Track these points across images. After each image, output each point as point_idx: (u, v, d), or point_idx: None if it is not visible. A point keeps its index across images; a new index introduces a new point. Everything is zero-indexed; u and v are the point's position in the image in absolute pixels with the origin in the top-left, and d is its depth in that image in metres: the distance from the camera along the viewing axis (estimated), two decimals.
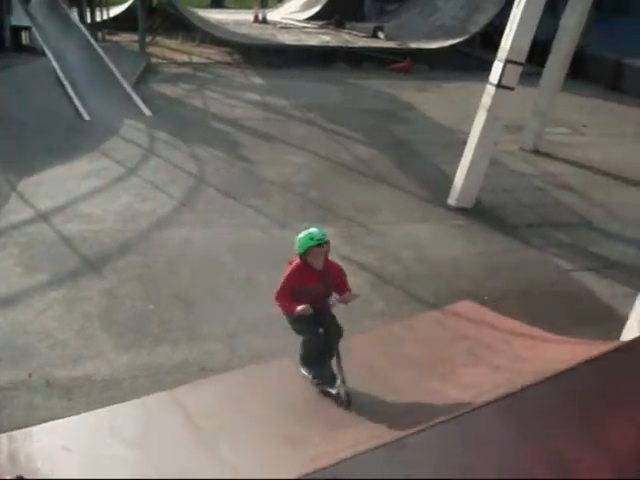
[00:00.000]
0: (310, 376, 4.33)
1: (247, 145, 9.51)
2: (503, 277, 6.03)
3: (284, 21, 20.50)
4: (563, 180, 8.70)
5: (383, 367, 4.46)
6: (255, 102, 12.31)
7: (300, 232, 4.26)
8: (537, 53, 9.55)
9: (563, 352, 3.55)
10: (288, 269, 4.29)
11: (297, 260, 4.27)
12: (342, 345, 4.20)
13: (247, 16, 20.53)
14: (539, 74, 9.93)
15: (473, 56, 16.47)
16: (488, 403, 2.54)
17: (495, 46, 7.65)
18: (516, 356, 4.41)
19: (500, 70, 7.29)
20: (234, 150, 9.27)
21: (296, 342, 4.29)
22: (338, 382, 4.11)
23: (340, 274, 4.40)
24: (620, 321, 4.69)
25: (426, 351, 4.77)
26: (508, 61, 7.25)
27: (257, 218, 7.04)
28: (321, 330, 4.23)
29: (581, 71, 14.51)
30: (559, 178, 8.78)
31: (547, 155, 9.71)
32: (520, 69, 7.30)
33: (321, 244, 4.16)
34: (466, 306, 5.47)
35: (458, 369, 4.46)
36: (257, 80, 14.31)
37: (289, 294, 4.23)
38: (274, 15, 21.63)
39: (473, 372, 4.37)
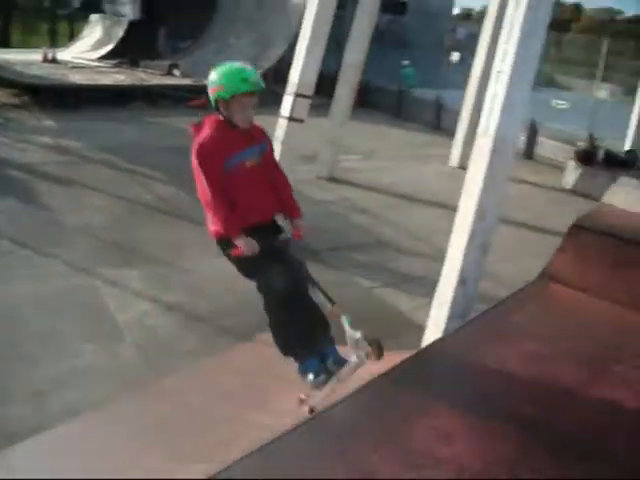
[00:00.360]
0: (309, 375, 3.38)
1: (43, 191, 9.04)
2: None
3: (75, 60, 19.80)
4: (358, 204, 9.23)
5: (199, 403, 4.44)
6: (49, 146, 11.75)
7: (216, 67, 3.36)
8: (326, 85, 10.12)
9: (368, 368, 3.71)
10: (201, 135, 3.19)
11: (213, 116, 3.25)
12: (154, 387, 4.08)
13: (36, 56, 19.55)
14: (329, 105, 10.52)
15: (268, 91, 16.95)
16: (295, 428, 2.62)
17: (286, 80, 8.00)
18: None
19: (290, 103, 7.63)
20: (29, 197, 8.78)
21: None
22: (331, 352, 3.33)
23: (270, 145, 3.51)
24: (421, 331, 5.07)
25: (241, 382, 4.81)
26: (297, 95, 7.60)
27: (57, 267, 6.71)
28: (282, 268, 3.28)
29: (369, 100, 15.60)
30: (354, 202, 9.30)
31: (342, 181, 10.25)
32: (309, 102, 7.69)
33: (255, 92, 3.25)
34: None
35: (273, 396, 4.55)
36: (49, 122, 13.68)
37: (219, 181, 3.14)
38: (65, 54, 20.79)
39: (287, 398, 4.48)
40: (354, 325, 3.22)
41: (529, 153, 12.19)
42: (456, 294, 4.74)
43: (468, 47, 16.30)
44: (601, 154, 10.67)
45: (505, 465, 2.14)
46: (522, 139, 11.71)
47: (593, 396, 2.39)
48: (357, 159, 11.71)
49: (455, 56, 19.86)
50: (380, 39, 19.66)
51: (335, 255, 7.41)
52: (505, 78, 4.67)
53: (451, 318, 4.66)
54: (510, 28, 4.71)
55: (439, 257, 5.29)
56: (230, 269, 5.96)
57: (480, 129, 4.85)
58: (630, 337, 2.16)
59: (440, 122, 14.85)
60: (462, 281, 4.72)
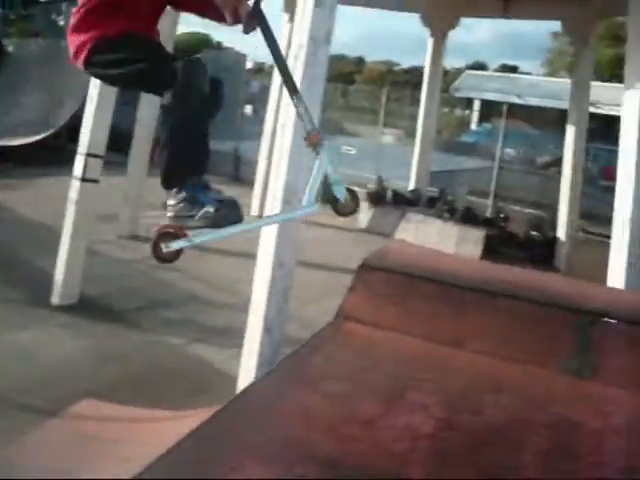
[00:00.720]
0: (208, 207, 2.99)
1: None
2: (117, 367, 6.04)
3: None
4: None
5: None
6: None
7: None
8: (123, 142, 9.95)
9: (180, 428, 3.63)
10: None
11: None
12: None
13: None
14: (126, 163, 10.34)
15: (65, 149, 16.35)
16: None
17: None
18: (139, 442, 4.45)
19: (82, 164, 7.40)
20: None
21: None
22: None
23: None
24: (234, 381, 5.08)
25: (50, 463, 4.53)
26: (88, 154, 7.40)
27: None
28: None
29: None
30: None
31: (146, 239, 10.03)
32: (101, 161, 7.51)
33: None
34: (86, 405, 5.34)
35: (91, 473, 4.33)
36: None
37: None
38: None
39: (104, 471, 4.28)
40: None
41: (324, 197, 12.77)
42: (263, 342, 4.84)
43: (262, 99, 16.86)
44: (389, 194, 11.47)
45: None
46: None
47: (391, 424, 2.54)
48: (159, 216, 11.49)
49: (248, 109, 20.43)
50: None
51: (142, 315, 7.24)
52: (289, 131, 4.91)
53: (260, 366, 4.74)
54: None
55: (245, 306, 5.37)
56: (26, 348, 5.54)
57: (271, 179, 5.05)
58: (421, 365, 2.33)
59: (239, 173, 15.14)
60: (267, 329, 4.83)
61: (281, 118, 5.08)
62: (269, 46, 2.65)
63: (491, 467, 2.58)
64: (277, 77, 10.44)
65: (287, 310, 5.03)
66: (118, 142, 13.32)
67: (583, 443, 2.91)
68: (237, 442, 2.71)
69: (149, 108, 10.13)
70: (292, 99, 2.67)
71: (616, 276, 5.59)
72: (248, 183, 12.93)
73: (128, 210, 10.19)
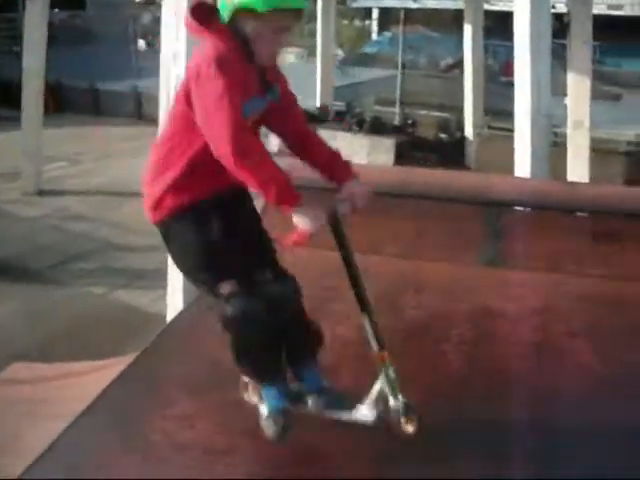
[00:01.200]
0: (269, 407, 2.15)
1: None
2: (44, 326, 5.90)
3: None
4: (74, 212, 8.82)
5: None
6: None
7: None
8: (12, 96, 9.42)
9: (109, 376, 3.58)
10: (209, 47, 1.97)
11: (224, 40, 1.98)
12: None
13: None
14: (19, 117, 9.82)
15: None
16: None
17: None
18: (68, 398, 4.39)
19: None
20: None
21: None
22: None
23: (285, 85, 2.25)
24: (163, 321, 5.03)
25: None
26: None
27: None
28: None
29: (64, 103, 14.82)
30: (69, 211, 8.88)
31: (52, 192, 9.69)
32: None
33: (302, 12, 2.04)
34: (17, 368, 5.22)
35: (22, 435, 4.26)
36: None
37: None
38: None
39: (36, 435, 4.22)
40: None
41: None
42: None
43: (154, 32, 16.14)
44: None
45: (247, 436, 2.25)
46: None
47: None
48: (63, 166, 11.11)
49: (142, 43, 19.58)
50: (63, 36, 18.77)
51: (60, 270, 7.04)
52: (181, 60, 4.73)
53: (187, 302, 4.68)
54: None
55: (164, 246, 5.26)
56: None
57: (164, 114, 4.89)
58: (342, 275, 2.32)
59: (142, 112, 14.60)
60: None
61: (171, 47, 4.88)
62: (341, 251, 2.15)
63: (418, 358, 2.67)
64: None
65: None
66: (7, 95, 12.69)
67: (503, 326, 3.05)
68: (165, 377, 2.69)
69: (33, 56, 9.61)
70: (362, 314, 2.16)
71: (522, 166, 5.74)
72: (152, 120, 12.50)
73: (29, 165, 9.74)
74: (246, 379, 2.28)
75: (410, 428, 2.01)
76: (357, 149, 10.04)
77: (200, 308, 3.24)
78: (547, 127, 6.19)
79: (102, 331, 5.69)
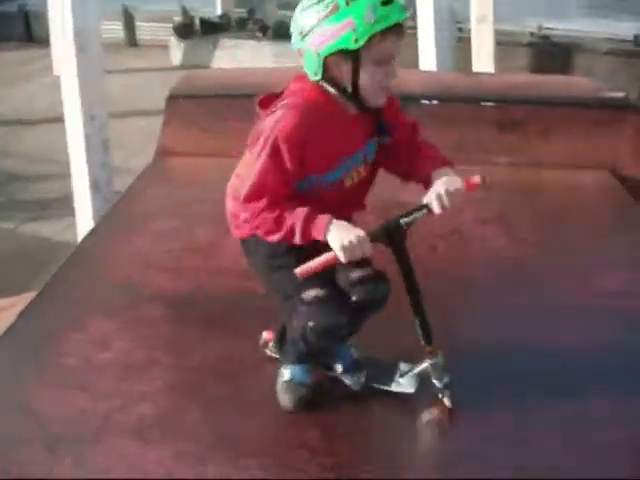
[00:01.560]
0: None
1: None
2: None
3: None
4: None
5: None
6: None
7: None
8: None
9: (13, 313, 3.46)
10: (288, 116, 1.75)
11: (304, 89, 1.82)
12: None
13: None
14: None
15: None
16: None
17: None
18: None
19: None
20: None
21: None
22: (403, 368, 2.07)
23: (397, 106, 1.98)
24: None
25: None
26: None
27: None
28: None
29: None
30: None
31: None
32: None
33: (400, 26, 1.69)
34: None
35: None
36: None
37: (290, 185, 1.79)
38: None
39: None
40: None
41: (131, 40, 11.86)
42: (94, 200, 4.66)
43: None
44: (197, 24, 10.89)
45: (166, 350, 2.22)
46: (119, 28, 11.44)
47: (229, 253, 2.52)
48: None
49: None
50: None
51: None
52: None
53: None
54: None
55: (69, 173, 5.05)
56: None
57: (58, 31, 4.63)
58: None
59: (32, 32, 13.65)
60: (95, 187, 4.63)
61: None
62: (400, 265, 1.91)
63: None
64: None
65: (111, 164, 4.80)
66: None
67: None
68: (77, 301, 2.62)
69: None
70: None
71: (427, 60, 5.76)
72: (43, 42, 11.74)
73: None
74: (268, 336, 2.17)
75: (448, 402, 1.96)
76: (262, 57, 9.76)
77: (109, 228, 3.16)
78: (450, 23, 6.26)
79: (14, 266, 5.45)
